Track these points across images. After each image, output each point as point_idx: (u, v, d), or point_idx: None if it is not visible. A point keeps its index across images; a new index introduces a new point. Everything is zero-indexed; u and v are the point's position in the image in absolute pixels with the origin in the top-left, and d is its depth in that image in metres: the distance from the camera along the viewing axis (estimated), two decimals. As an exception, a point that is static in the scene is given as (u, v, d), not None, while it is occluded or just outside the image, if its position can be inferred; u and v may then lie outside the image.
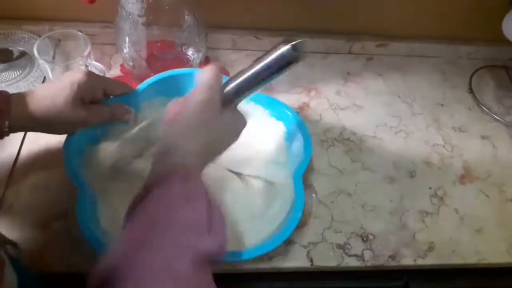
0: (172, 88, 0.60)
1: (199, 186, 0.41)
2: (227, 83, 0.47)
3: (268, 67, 0.45)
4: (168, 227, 0.36)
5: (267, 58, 0.45)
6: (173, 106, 0.49)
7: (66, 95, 0.48)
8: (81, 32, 0.63)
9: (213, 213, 0.39)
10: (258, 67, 0.45)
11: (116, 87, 0.55)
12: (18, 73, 0.68)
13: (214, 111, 0.45)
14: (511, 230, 0.63)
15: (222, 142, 0.47)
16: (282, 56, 0.44)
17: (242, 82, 0.47)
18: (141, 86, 0.58)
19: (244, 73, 0.46)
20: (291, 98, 0.73)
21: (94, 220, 0.50)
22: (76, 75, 0.50)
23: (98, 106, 0.53)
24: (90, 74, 0.51)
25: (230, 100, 0.47)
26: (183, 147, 0.43)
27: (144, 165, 0.57)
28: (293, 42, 0.43)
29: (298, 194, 0.54)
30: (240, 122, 0.49)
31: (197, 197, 0.39)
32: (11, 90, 0.65)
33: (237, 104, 0.49)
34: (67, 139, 0.52)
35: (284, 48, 0.43)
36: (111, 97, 0.55)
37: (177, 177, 0.40)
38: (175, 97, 0.61)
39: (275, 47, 0.44)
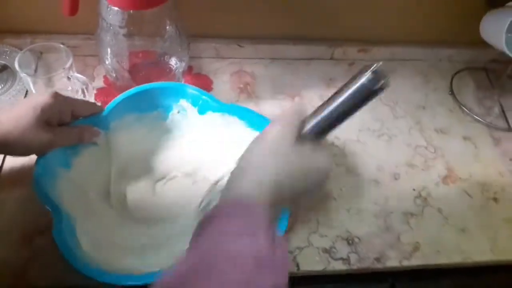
0: (144, 104, 0.60)
1: (261, 220, 0.38)
2: (308, 119, 0.44)
3: (349, 100, 0.41)
4: (217, 262, 0.34)
5: (347, 90, 0.41)
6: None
7: (29, 119, 0.47)
8: (63, 44, 0.63)
9: (276, 250, 0.37)
10: (338, 101, 0.41)
11: (84, 108, 0.54)
12: (0, 87, 0.68)
13: (289, 144, 0.42)
14: (494, 229, 0.64)
15: (297, 178, 0.43)
16: (362, 86, 0.40)
17: (323, 118, 0.43)
18: (109, 105, 0.57)
19: (325, 108, 0.43)
20: (274, 105, 0.74)
21: (73, 243, 0.49)
22: (39, 98, 0.49)
23: (65, 129, 0.52)
24: (56, 96, 0.49)
25: (310, 136, 0.44)
26: (251, 176, 0.41)
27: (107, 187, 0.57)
28: (372, 69, 0.39)
29: None
30: (321, 160, 0.44)
31: (256, 231, 0.37)
32: (-7, 104, 0.65)
33: (318, 141, 0.44)
34: (36, 161, 0.51)
35: (364, 78, 0.39)
36: (80, 118, 0.54)
37: (237, 210, 0.38)
38: (148, 112, 0.60)
39: (354, 77, 0.41)
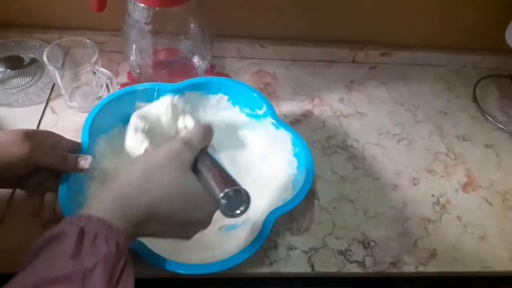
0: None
1: (99, 243, 0.33)
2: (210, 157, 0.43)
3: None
4: None
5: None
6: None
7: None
8: (90, 40, 0.65)
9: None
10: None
11: (63, 143, 0.50)
12: (28, 80, 0.70)
13: (184, 168, 0.40)
14: (514, 238, 0.62)
15: (176, 207, 0.39)
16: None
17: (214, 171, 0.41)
18: (83, 135, 0.54)
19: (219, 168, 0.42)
20: (294, 106, 0.74)
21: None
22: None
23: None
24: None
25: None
26: (103, 196, 0.38)
27: None
28: (229, 193, 0.39)
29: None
30: (209, 204, 0.41)
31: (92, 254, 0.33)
32: (21, 95, 0.67)
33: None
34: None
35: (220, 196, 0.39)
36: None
37: (73, 231, 0.33)
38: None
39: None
